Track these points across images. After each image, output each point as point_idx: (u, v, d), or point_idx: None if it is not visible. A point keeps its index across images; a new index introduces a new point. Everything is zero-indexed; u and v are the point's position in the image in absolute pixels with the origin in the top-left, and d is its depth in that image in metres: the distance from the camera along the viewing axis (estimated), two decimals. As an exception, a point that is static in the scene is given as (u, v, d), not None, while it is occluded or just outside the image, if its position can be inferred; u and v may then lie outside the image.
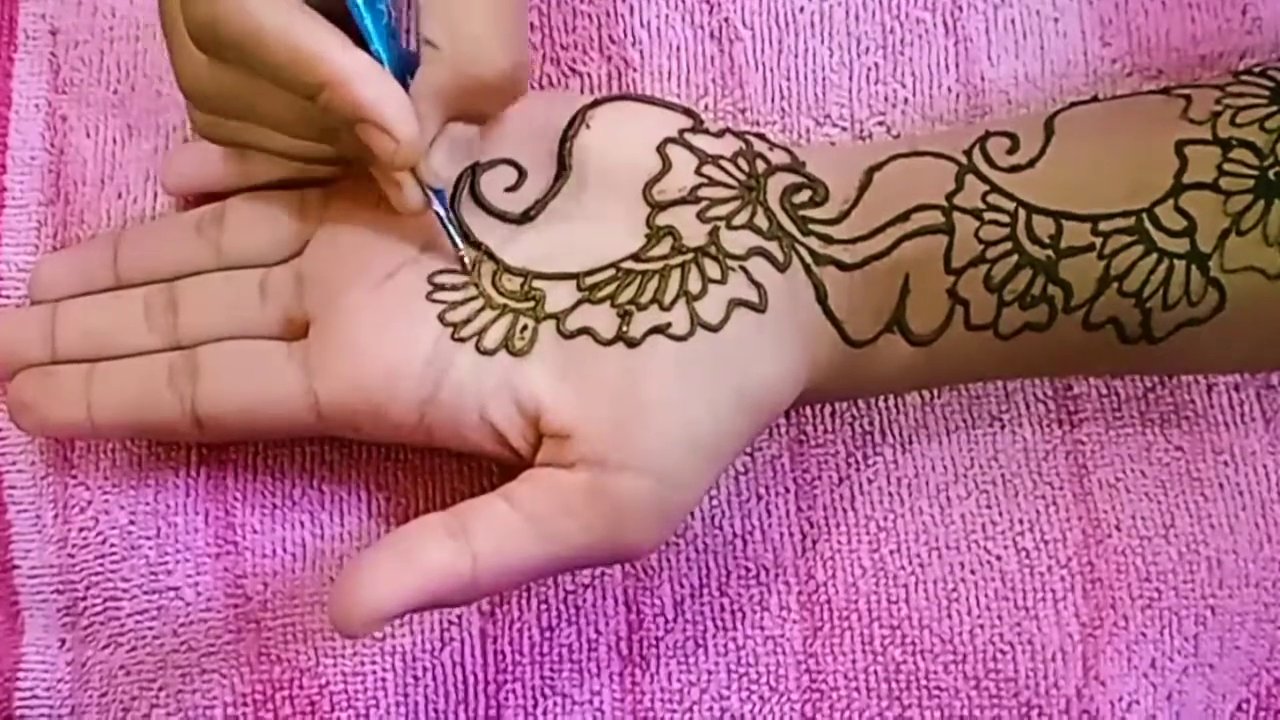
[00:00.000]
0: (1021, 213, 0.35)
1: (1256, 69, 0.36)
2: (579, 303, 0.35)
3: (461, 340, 0.35)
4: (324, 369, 0.36)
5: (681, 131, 0.37)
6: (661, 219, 0.36)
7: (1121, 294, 0.34)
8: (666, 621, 0.40)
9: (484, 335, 0.35)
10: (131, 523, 0.40)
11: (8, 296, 0.41)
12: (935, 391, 0.40)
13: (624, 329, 0.35)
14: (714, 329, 0.35)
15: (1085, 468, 0.40)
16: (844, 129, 0.41)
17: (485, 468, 0.39)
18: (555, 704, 0.39)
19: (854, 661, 0.39)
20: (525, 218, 0.37)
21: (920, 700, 0.39)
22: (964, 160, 0.36)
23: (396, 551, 0.33)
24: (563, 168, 0.37)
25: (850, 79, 0.41)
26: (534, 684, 0.39)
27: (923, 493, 0.40)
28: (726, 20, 0.42)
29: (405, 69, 0.34)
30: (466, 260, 0.36)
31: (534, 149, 0.37)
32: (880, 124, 0.41)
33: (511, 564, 0.34)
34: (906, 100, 0.41)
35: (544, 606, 0.40)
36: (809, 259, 0.36)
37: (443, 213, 0.36)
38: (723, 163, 0.37)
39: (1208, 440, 0.40)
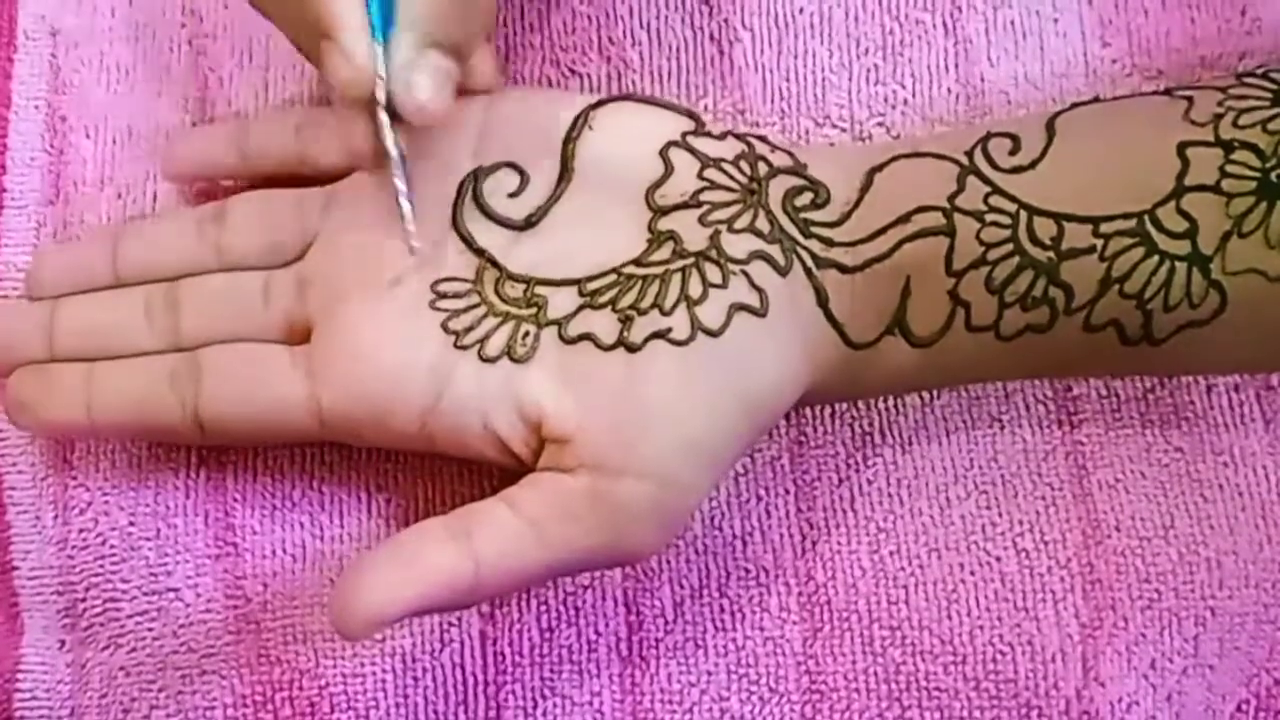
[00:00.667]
0: (1023, 214, 0.35)
1: (1259, 71, 0.36)
2: (580, 308, 0.35)
3: (464, 348, 0.35)
4: (327, 377, 0.36)
5: (684, 134, 0.37)
6: (663, 224, 0.36)
7: (1123, 296, 0.34)
8: (666, 622, 0.40)
9: (486, 343, 0.35)
10: (131, 524, 0.40)
11: (6, 297, 0.41)
12: (935, 392, 0.40)
13: (625, 334, 0.35)
14: (715, 334, 0.35)
15: (1085, 469, 0.40)
16: (844, 130, 0.41)
17: (486, 470, 0.39)
18: (555, 705, 0.39)
19: (854, 662, 0.39)
20: (528, 224, 0.37)
21: (920, 701, 0.39)
22: (965, 161, 0.36)
23: (398, 555, 0.33)
24: (565, 170, 0.37)
25: (850, 80, 0.41)
26: (534, 685, 0.39)
27: (922, 494, 0.40)
28: (726, 21, 0.42)
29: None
30: (412, 237, 0.35)
31: (536, 151, 0.37)
32: (880, 125, 0.41)
33: (513, 568, 0.34)
34: (906, 101, 0.41)
35: (544, 608, 0.40)
36: (810, 262, 0.36)
37: (398, 180, 0.35)
38: (725, 166, 0.37)
39: (1208, 441, 0.40)
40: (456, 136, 0.37)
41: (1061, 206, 0.35)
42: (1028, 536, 0.40)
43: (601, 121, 0.37)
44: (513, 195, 0.37)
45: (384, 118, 0.34)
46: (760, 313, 0.35)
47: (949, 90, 0.41)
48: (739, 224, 0.36)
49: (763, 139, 0.38)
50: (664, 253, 0.36)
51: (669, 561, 0.40)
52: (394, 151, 0.35)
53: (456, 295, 0.36)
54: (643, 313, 0.35)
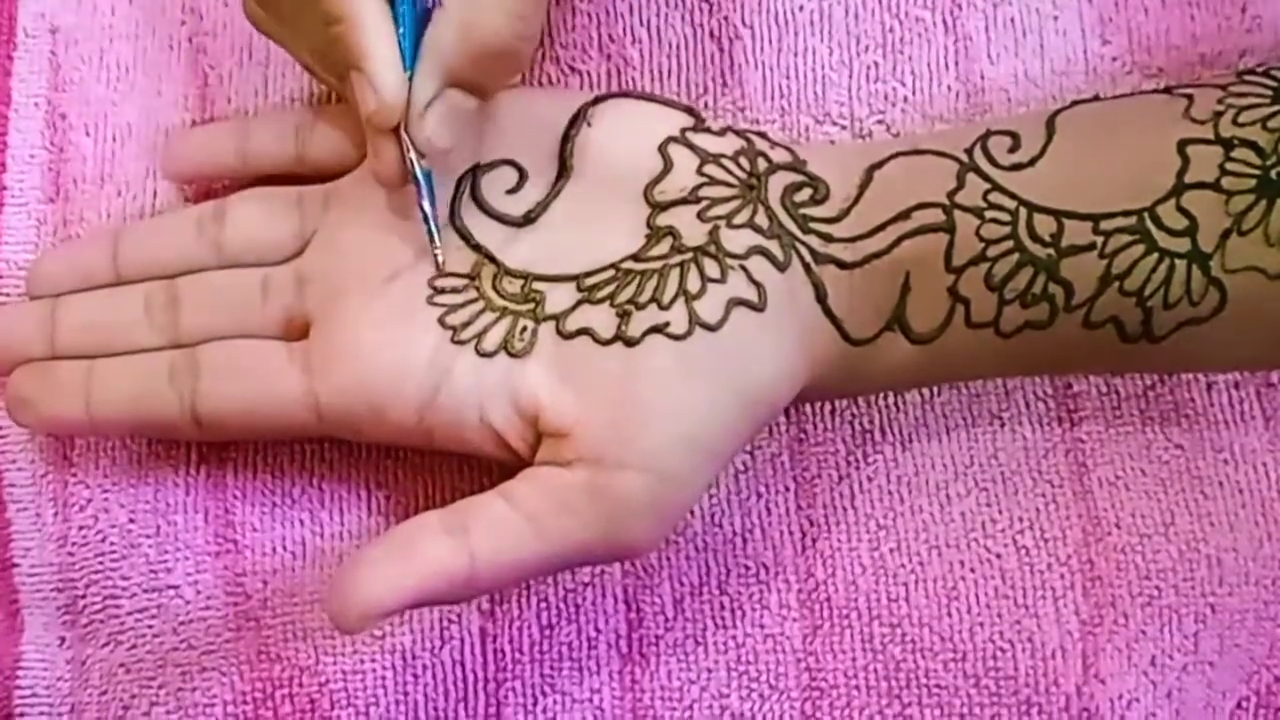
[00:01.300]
0: (1023, 211, 0.35)
1: (1259, 69, 0.36)
2: (578, 303, 0.35)
3: (461, 343, 0.35)
4: (325, 371, 0.36)
5: (683, 130, 0.37)
6: (662, 219, 0.36)
7: (1122, 293, 0.34)
8: (666, 620, 0.40)
9: (484, 337, 0.35)
10: (131, 521, 0.40)
11: (7, 295, 0.41)
12: (935, 390, 0.40)
13: (623, 328, 0.35)
14: (713, 328, 0.35)
15: (1085, 466, 0.40)
16: (843, 127, 0.41)
17: (485, 466, 0.39)
18: (555, 702, 0.39)
19: (854, 659, 0.39)
20: (526, 220, 0.37)
21: (920, 698, 0.39)
22: (965, 159, 0.36)
23: (394, 549, 0.33)
24: (564, 168, 0.37)
25: (850, 78, 0.41)
26: (534, 682, 0.39)
27: (923, 491, 0.40)
28: (726, 19, 0.42)
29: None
30: (438, 257, 0.36)
31: (535, 148, 0.37)
32: (880, 122, 0.41)
33: (510, 561, 0.34)
34: (906, 99, 0.41)
35: (544, 605, 0.40)
36: (809, 258, 0.36)
37: (426, 203, 0.36)
38: (724, 161, 0.37)
39: (1207, 438, 0.40)
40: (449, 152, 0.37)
41: (1061, 204, 0.35)
42: (1028, 534, 0.40)
43: (600, 118, 0.37)
44: (511, 192, 0.37)
45: (410, 143, 0.35)
46: (759, 307, 0.35)
47: (949, 88, 0.41)
48: (738, 219, 0.36)
49: (762, 135, 0.38)
50: (662, 248, 0.36)
51: (669, 558, 0.40)
52: (420, 176, 0.35)
53: (454, 291, 0.36)
54: (641, 307, 0.35)
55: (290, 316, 0.37)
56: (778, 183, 0.37)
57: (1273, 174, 0.34)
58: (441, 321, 0.36)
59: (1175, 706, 0.39)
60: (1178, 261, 0.34)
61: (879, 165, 0.37)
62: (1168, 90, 0.36)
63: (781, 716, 0.39)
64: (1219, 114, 0.35)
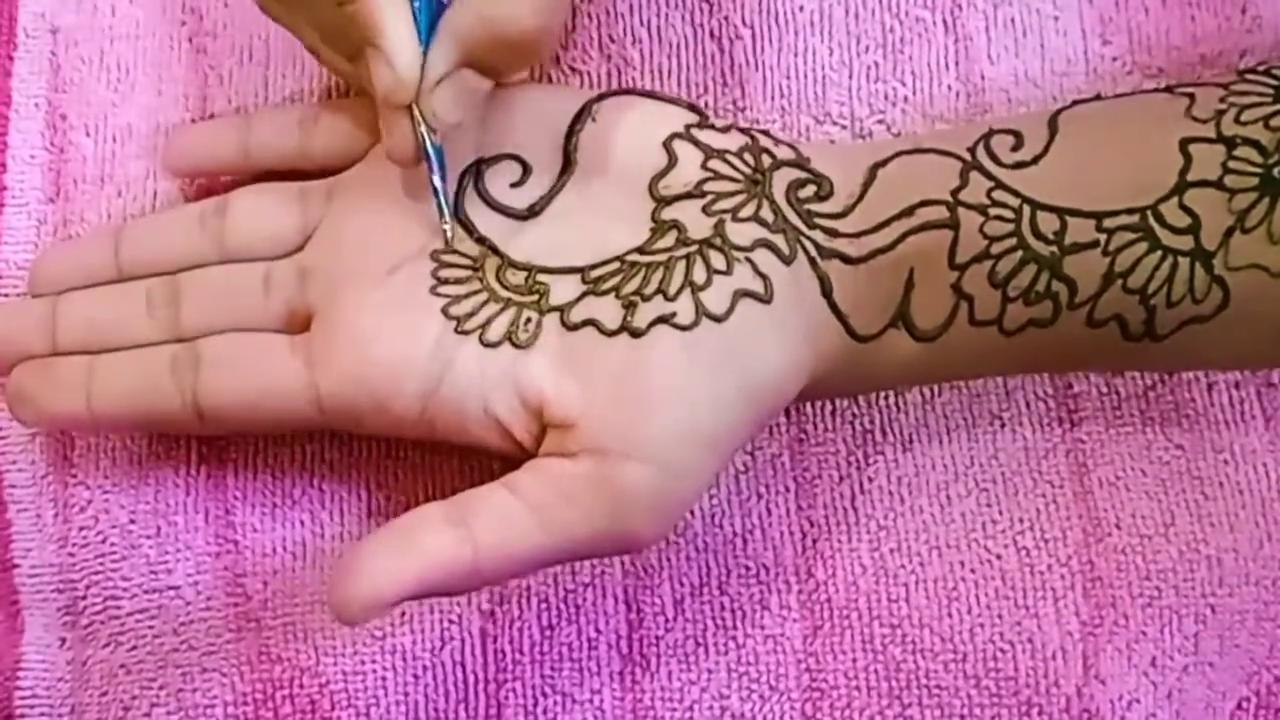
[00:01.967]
0: (1026, 209, 0.35)
1: (1260, 68, 0.36)
2: (583, 295, 0.35)
3: (465, 333, 0.35)
4: (327, 361, 0.36)
5: (688, 127, 0.37)
6: (667, 213, 0.36)
7: (1126, 291, 0.34)
8: (667, 620, 0.40)
9: (487, 328, 0.35)
10: (132, 521, 0.40)
11: (7, 295, 0.41)
12: (936, 390, 0.40)
13: (629, 319, 0.35)
14: (719, 319, 0.35)
15: (1085, 466, 0.40)
16: (844, 127, 0.41)
17: (486, 465, 0.39)
18: (555, 703, 0.39)
19: (854, 660, 0.39)
20: (530, 213, 0.37)
21: (920, 699, 0.39)
22: (968, 157, 0.36)
23: (396, 540, 0.33)
24: (568, 162, 0.37)
25: (850, 78, 0.41)
26: (534, 683, 0.39)
27: (923, 491, 0.40)
28: (726, 19, 0.42)
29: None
30: (448, 232, 0.36)
31: (539, 143, 0.37)
32: (880, 122, 0.41)
33: (513, 553, 0.33)
34: (906, 99, 0.41)
35: (544, 605, 0.40)
36: (814, 252, 0.36)
37: (436, 178, 0.36)
38: (728, 157, 0.37)
39: (1208, 439, 0.40)
40: (458, 129, 0.37)
41: (1064, 201, 0.35)
42: (1028, 534, 0.40)
43: (605, 114, 0.37)
44: (515, 185, 0.37)
45: (422, 119, 0.35)
46: (765, 299, 0.35)
47: (949, 88, 0.41)
48: (743, 213, 0.36)
49: (766, 133, 0.38)
50: (667, 241, 0.36)
51: (669, 559, 0.40)
52: (433, 152, 0.35)
53: (458, 281, 0.36)
54: (646, 298, 0.35)
55: (292, 310, 0.37)
56: (782, 179, 0.37)
57: (1275, 172, 0.34)
58: (445, 312, 0.35)
59: (1175, 707, 0.39)
60: (1180, 259, 0.34)
61: (882, 164, 0.37)
62: (1169, 89, 0.36)
63: (782, 717, 0.39)
64: (1221, 113, 0.35)
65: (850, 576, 0.40)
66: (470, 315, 0.35)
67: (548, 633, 0.40)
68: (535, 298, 0.35)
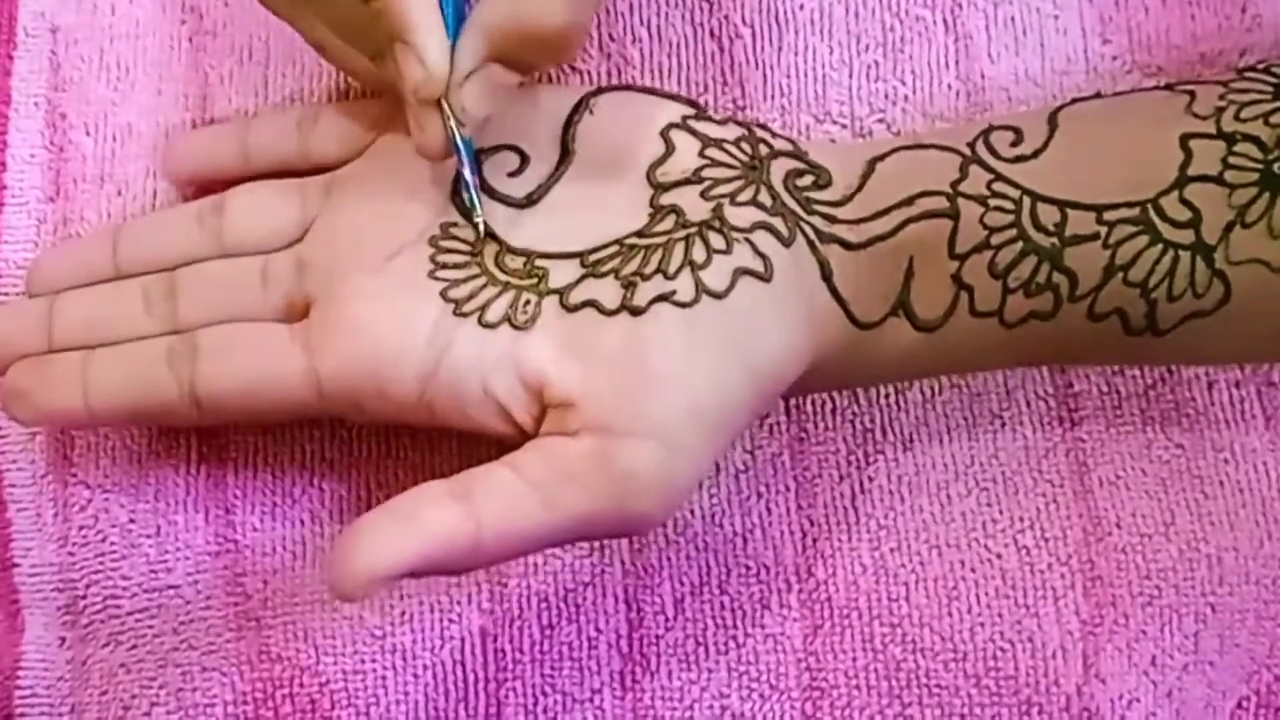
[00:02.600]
0: (1026, 200, 0.35)
1: (1260, 66, 0.36)
2: (582, 278, 0.35)
3: (464, 315, 0.35)
4: (325, 346, 0.35)
5: (685, 118, 0.37)
6: (665, 199, 0.36)
7: (1127, 284, 0.34)
8: (667, 620, 0.40)
9: (486, 310, 0.35)
10: (131, 521, 0.40)
11: (7, 294, 0.41)
12: (936, 389, 0.40)
13: (628, 298, 0.35)
14: (720, 296, 0.34)
15: (1086, 465, 0.40)
16: (844, 126, 0.41)
17: (487, 461, 0.39)
18: (555, 702, 0.39)
19: (854, 659, 0.39)
20: (529, 201, 0.37)
21: (920, 698, 0.39)
22: (968, 152, 0.36)
23: (397, 514, 0.33)
24: (566, 152, 0.37)
25: (850, 76, 0.41)
26: (534, 682, 0.39)
27: (923, 491, 0.40)
28: (726, 18, 0.42)
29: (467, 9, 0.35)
30: (480, 227, 0.36)
31: (537, 135, 0.37)
32: (880, 121, 0.41)
33: (516, 530, 0.33)
34: (906, 98, 0.41)
35: (544, 605, 0.40)
36: (813, 236, 0.36)
37: (467, 171, 0.36)
38: (726, 145, 0.37)
39: (1208, 438, 0.40)
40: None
41: (1065, 194, 0.35)
42: (1028, 533, 0.40)
43: (602, 106, 0.37)
44: (513, 175, 0.37)
45: (450, 113, 0.35)
46: (765, 278, 0.35)
47: (949, 87, 0.41)
48: (741, 197, 0.36)
49: (764, 126, 0.38)
50: (666, 224, 0.36)
51: (669, 558, 0.40)
52: (462, 146, 0.35)
53: (456, 266, 0.36)
54: (646, 278, 0.35)
55: (290, 302, 0.37)
56: (780, 167, 0.37)
57: (1275, 168, 0.34)
58: (444, 295, 0.35)
59: (1175, 706, 0.39)
60: (1181, 253, 0.34)
61: (880, 158, 0.37)
62: (1169, 87, 0.36)
63: (782, 716, 0.39)
64: (1221, 110, 0.35)
65: (850, 576, 0.40)
66: (469, 298, 0.35)
67: (548, 632, 0.40)
68: (534, 281, 0.35)
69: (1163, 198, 0.34)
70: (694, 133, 0.37)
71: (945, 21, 0.42)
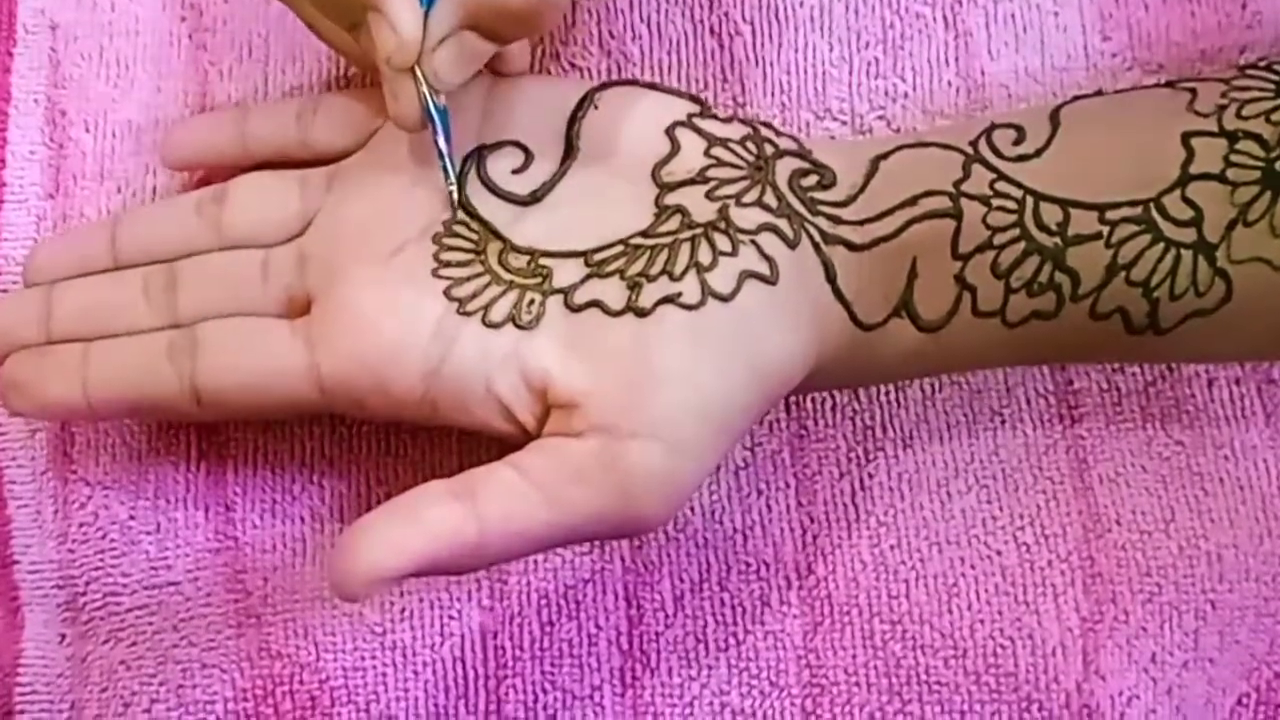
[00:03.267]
0: (1029, 200, 0.35)
1: (1261, 63, 0.36)
2: (587, 277, 0.35)
3: (468, 314, 0.35)
4: (327, 343, 0.35)
5: (690, 116, 0.37)
6: (670, 199, 0.36)
7: (1129, 283, 0.34)
8: (667, 617, 0.40)
9: (490, 309, 0.35)
10: (131, 518, 0.40)
11: (6, 292, 0.41)
12: (936, 386, 0.40)
13: (634, 299, 0.35)
14: (725, 299, 0.34)
15: (1086, 463, 0.40)
16: (844, 123, 0.41)
17: (488, 459, 0.39)
18: (555, 699, 0.39)
19: (854, 656, 0.39)
20: (533, 199, 0.37)
21: (920, 695, 0.39)
22: (970, 151, 0.36)
23: (399, 514, 0.33)
24: (570, 149, 0.37)
25: (850, 73, 0.41)
26: (534, 679, 0.39)
27: (923, 488, 0.40)
28: (726, 15, 0.42)
29: None
30: (453, 194, 0.36)
31: (541, 131, 0.37)
32: (880, 118, 0.41)
33: (519, 530, 0.33)
34: (906, 95, 0.41)
35: (544, 602, 0.40)
36: (818, 237, 0.36)
37: (441, 140, 0.35)
38: (731, 145, 0.37)
39: (1208, 435, 0.40)
40: (459, 117, 0.37)
41: (1067, 193, 0.35)
42: (1028, 530, 0.40)
43: (607, 102, 0.37)
44: (517, 172, 0.37)
45: (424, 81, 0.34)
46: (771, 281, 0.35)
47: (949, 83, 0.41)
48: (747, 198, 0.36)
49: (768, 125, 0.38)
50: (672, 224, 0.36)
51: (669, 555, 0.40)
52: (436, 114, 0.35)
53: (460, 264, 0.36)
54: (652, 279, 0.35)
55: (291, 296, 0.37)
56: (785, 167, 0.37)
57: (1277, 166, 0.34)
58: (447, 294, 0.35)
59: (1175, 703, 0.39)
60: (1184, 252, 0.34)
61: (884, 156, 0.37)
62: (1170, 85, 0.36)
63: (782, 713, 0.39)
64: (1222, 107, 0.35)
65: (850, 573, 0.40)
66: (473, 297, 0.35)
67: (548, 629, 0.40)
68: (538, 280, 0.35)
69: (1165, 196, 0.34)
70: (699, 131, 0.37)
71: (945, 18, 0.41)
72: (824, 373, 0.36)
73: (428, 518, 0.32)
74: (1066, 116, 0.36)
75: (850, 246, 0.36)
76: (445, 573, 0.34)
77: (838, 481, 0.40)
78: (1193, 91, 0.35)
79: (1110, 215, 0.34)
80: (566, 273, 0.35)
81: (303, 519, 0.40)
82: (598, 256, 0.35)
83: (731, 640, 0.39)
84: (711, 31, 0.42)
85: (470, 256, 0.36)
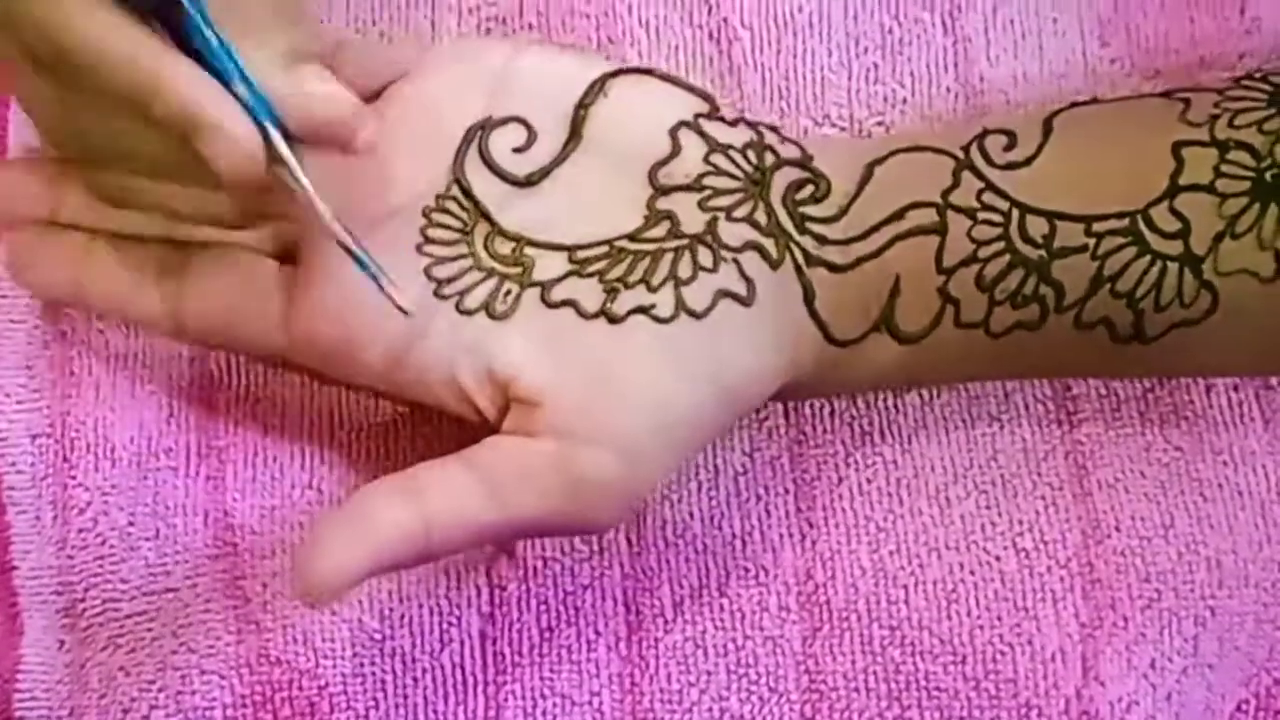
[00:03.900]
0: (1015, 212, 0.35)
1: (1257, 73, 0.36)
2: (567, 274, 0.35)
3: (444, 298, 0.35)
4: (306, 297, 0.36)
5: (696, 116, 0.37)
6: (662, 203, 0.36)
7: (1114, 295, 0.34)
8: (666, 622, 0.40)
9: (467, 295, 0.35)
10: (130, 524, 0.40)
11: (5, 295, 0.41)
12: (935, 391, 0.40)
13: (608, 305, 0.35)
14: (697, 316, 0.35)
15: (1085, 468, 0.40)
16: (843, 129, 0.41)
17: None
18: (555, 705, 0.39)
19: (853, 662, 0.39)
20: (528, 182, 0.37)
21: (919, 701, 0.39)
22: (961, 155, 0.36)
23: (349, 517, 0.33)
24: (574, 134, 0.37)
25: (849, 79, 0.41)
26: (533, 685, 0.39)
27: (922, 493, 0.40)
28: (725, 20, 0.41)
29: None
30: (405, 307, 0.34)
31: (546, 110, 0.37)
32: (879, 124, 0.41)
33: (466, 526, 0.34)
34: (905, 100, 0.41)
35: (543, 607, 0.40)
36: (801, 260, 0.36)
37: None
38: (732, 153, 0.37)
39: (1207, 441, 0.40)
40: (471, 81, 0.37)
41: (1055, 204, 0.35)
42: (1027, 536, 0.40)
43: (617, 91, 0.37)
44: (518, 150, 0.37)
45: (298, 175, 0.33)
46: (746, 302, 0.35)
47: (948, 89, 0.41)
48: (737, 213, 0.36)
49: (774, 129, 0.38)
50: (659, 231, 0.36)
51: (668, 561, 0.40)
52: (322, 207, 0.34)
53: (445, 243, 0.36)
54: (629, 286, 0.35)
55: (277, 234, 0.38)
56: (782, 179, 0.37)
57: (1267, 176, 0.34)
58: (427, 272, 0.36)
59: (1175, 709, 0.39)
60: (1169, 264, 0.34)
61: (879, 161, 0.37)
62: (1166, 94, 0.36)
63: (781, 719, 0.39)
64: (1215, 117, 0.35)
65: (849, 578, 0.40)
66: (452, 280, 0.35)
67: (547, 635, 0.40)
68: (519, 270, 0.36)
69: (1153, 208, 0.34)
70: (702, 134, 0.37)
71: (944, 24, 0.41)
72: (798, 386, 0.37)
73: (378, 521, 0.33)
74: (1059, 124, 0.36)
75: (832, 268, 0.36)
76: (400, 569, 0.35)
77: (837, 487, 0.40)
78: (1186, 101, 0.35)
79: (1097, 227, 0.34)
80: (548, 266, 0.36)
81: (302, 525, 0.40)
82: (581, 254, 0.36)
83: (730, 646, 0.39)
84: (710, 36, 0.42)
85: (457, 236, 0.36)
